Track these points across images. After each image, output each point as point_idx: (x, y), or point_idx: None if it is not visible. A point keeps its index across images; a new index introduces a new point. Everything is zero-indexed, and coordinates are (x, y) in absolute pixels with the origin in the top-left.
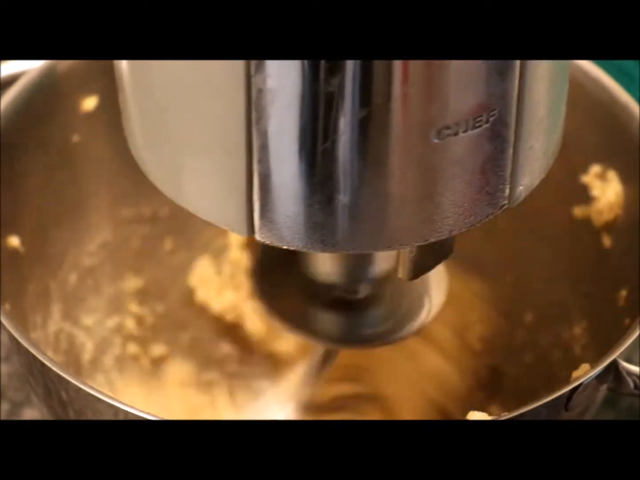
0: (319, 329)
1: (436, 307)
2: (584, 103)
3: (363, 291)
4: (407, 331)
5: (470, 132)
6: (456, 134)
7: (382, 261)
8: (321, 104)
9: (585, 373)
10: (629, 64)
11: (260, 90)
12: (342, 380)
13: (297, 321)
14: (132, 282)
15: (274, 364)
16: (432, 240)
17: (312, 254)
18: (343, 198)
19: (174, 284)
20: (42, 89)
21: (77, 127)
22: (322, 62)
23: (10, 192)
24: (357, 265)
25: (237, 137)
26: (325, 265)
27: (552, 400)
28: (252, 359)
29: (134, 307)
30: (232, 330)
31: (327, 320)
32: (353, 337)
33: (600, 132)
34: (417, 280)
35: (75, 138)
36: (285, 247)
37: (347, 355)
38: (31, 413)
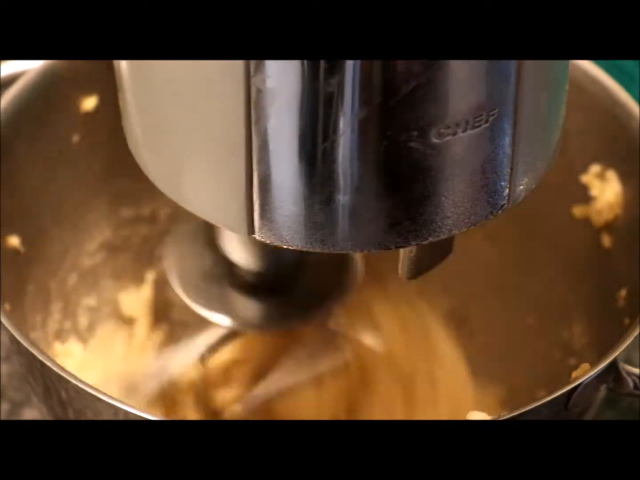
0: (237, 314)
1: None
2: (584, 103)
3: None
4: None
5: (469, 132)
6: (455, 133)
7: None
8: (321, 104)
9: (585, 373)
10: (629, 64)
11: (259, 91)
12: None
13: (215, 306)
14: (132, 282)
15: None
16: (432, 240)
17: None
18: (343, 198)
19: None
20: (42, 89)
21: (77, 127)
22: (322, 62)
23: (10, 192)
24: (266, 250)
25: (236, 137)
26: (237, 247)
27: (552, 400)
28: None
29: (133, 307)
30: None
31: (243, 304)
32: (266, 321)
33: (600, 132)
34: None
35: (75, 138)
36: (285, 246)
37: None
38: (31, 413)
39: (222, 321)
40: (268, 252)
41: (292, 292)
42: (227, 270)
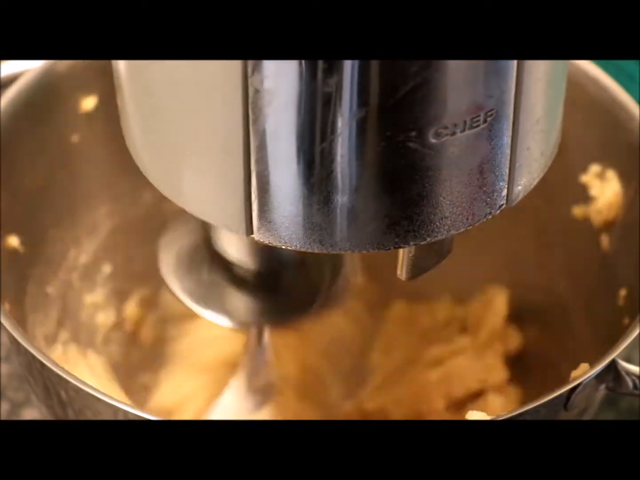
0: (233, 312)
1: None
2: (584, 103)
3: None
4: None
5: (467, 132)
6: (453, 134)
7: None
8: (318, 104)
9: (584, 373)
10: (629, 64)
11: (257, 91)
12: None
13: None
14: (132, 282)
15: None
16: (430, 240)
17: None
18: (341, 198)
19: None
20: (41, 89)
21: (77, 127)
22: (320, 62)
23: (11, 192)
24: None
25: (234, 137)
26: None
27: (551, 399)
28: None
29: (133, 307)
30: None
31: (234, 299)
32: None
33: (600, 132)
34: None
35: (75, 138)
36: (283, 247)
37: None
38: (31, 413)
39: (217, 319)
40: (265, 251)
41: (289, 289)
42: (223, 268)
